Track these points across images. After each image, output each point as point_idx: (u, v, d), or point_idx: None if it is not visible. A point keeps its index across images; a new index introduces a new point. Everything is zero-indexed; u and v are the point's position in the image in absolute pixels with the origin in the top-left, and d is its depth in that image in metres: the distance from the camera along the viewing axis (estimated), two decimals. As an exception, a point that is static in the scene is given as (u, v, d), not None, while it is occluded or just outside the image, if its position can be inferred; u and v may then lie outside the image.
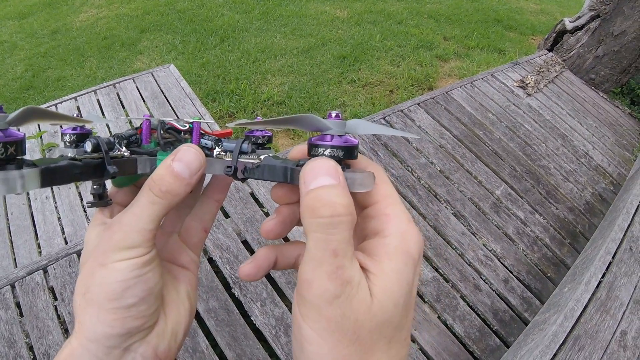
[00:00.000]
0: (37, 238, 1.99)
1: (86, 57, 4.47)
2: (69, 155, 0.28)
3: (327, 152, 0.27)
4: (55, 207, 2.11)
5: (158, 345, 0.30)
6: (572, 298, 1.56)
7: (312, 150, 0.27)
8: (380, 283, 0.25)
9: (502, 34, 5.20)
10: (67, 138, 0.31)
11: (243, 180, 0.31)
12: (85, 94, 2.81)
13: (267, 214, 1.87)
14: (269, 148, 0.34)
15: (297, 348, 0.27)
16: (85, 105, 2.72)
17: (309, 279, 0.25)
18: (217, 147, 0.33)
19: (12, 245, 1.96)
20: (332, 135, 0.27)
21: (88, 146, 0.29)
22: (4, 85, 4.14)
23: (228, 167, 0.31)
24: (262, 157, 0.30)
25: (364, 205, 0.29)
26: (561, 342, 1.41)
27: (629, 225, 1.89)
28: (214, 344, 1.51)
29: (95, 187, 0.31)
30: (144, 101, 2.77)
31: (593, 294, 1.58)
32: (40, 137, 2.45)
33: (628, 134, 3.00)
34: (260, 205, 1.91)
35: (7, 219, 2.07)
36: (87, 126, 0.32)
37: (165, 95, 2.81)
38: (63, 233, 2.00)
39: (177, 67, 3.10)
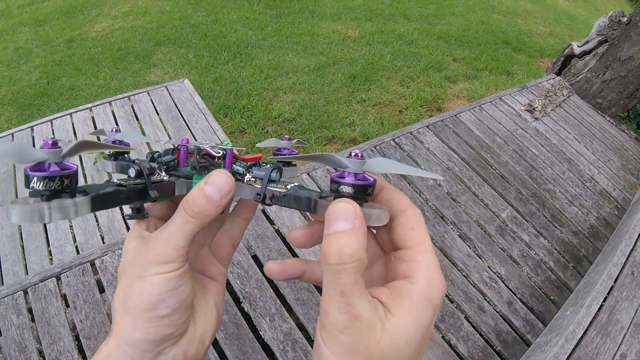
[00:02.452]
0: (48, 245, 2.00)
1: (100, 67, 4.52)
2: (115, 181, 0.31)
3: (344, 189, 0.30)
4: (68, 215, 2.13)
5: (187, 349, 0.33)
6: (573, 321, 1.59)
7: (332, 186, 0.30)
8: (398, 322, 0.28)
9: (510, 56, 5.26)
10: (107, 152, 0.34)
11: (270, 205, 0.35)
12: (100, 104, 2.84)
13: (277, 231, 1.91)
14: (295, 165, 0.39)
15: None
16: (99, 115, 2.75)
17: (325, 309, 0.28)
18: (247, 174, 0.36)
19: (24, 251, 1.98)
20: (350, 173, 0.30)
21: (132, 172, 0.32)
22: (18, 91, 4.19)
23: (258, 194, 0.34)
24: (288, 187, 0.33)
25: (398, 247, 0.33)
26: (562, 364, 1.44)
27: (632, 250, 1.91)
28: (223, 356, 1.54)
29: None
30: (158, 114, 2.80)
31: (594, 317, 1.60)
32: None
33: (634, 159, 3.02)
34: (271, 222, 1.95)
35: (20, 225, 2.08)
36: (125, 140, 0.36)
37: (179, 109, 2.84)
38: (75, 241, 2.01)
39: (190, 81, 3.15)
